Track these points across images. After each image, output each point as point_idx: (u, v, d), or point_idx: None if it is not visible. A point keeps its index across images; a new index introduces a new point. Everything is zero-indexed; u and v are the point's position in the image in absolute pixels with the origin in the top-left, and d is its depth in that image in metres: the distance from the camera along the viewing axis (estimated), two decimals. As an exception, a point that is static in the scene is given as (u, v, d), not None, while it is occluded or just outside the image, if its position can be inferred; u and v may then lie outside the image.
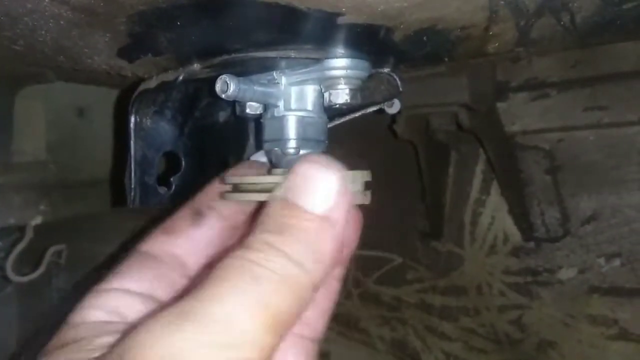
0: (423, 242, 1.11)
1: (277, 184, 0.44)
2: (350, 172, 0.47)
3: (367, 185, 0.49)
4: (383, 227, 1.13)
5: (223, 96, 0.44)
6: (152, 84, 0.51)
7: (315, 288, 0.34)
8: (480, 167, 1.02)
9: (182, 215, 0.46)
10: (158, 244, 0.44)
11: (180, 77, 0.47)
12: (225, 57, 0.45)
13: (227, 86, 0.44)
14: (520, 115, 0.88)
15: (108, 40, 0.48)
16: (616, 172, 0.86)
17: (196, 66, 0.47)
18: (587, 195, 0.89)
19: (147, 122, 0.54)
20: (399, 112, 0.59)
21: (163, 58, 0.49)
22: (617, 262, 0.89)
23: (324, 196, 0.36)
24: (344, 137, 0.65)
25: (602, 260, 0.90)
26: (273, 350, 0.31)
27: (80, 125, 0.98)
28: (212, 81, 0.46)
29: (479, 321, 1.04)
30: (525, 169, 0.93)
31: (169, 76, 0.49)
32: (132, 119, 0.52)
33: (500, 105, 0.88)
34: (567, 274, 0.93)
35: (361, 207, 0.48)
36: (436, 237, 1.08)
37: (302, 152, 0.48)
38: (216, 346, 0.29)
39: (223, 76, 0.44)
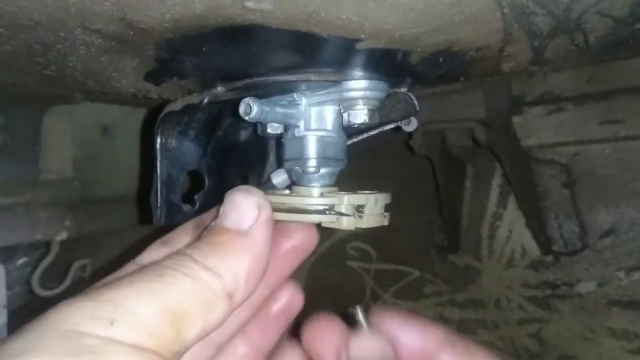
0: (441, 256, 1.12)
1: (303, 204, 0.46)
2: (372, 196, 0.48)
3: (387, 208, 0.50)
4: (401, 241, 1.14)
5: (246, 118, 0.46)
6: (178, 106, 0.53)
7: (230, 296, 0.37)
8: (497, 181, 1.02)
9: (185, 228, 0.47)
10: (156, 254, 0.45)
11: (205, 100, 0.49)
12: (248, 80, 0.46)
13: (250, 109, 0.45)
14: (536, 129, 0.89)
15: (136, 65, 0.50)
16: (633, 185, 0.86)
17: (220, 89, 0.49)
18: (605, 208, 0.90)
19: (172, 142, 0.56)
20: (415, 129, 0.60)
21: (188, 81, 0.51)
22: (636, 276, 0.88)
23: (241, 215, 0.40)
24: (363, 153, 0.67)
25: (621, 274, 0.90)
26: (175, 345, 0.33)
27: (105, 143, 1.00)
28: (235, 102, 0.48)
29: (498, 335, 1.04)
30: (541, 183, 0.93)
31: (193, 99, 0.51)
32: (158, 140, 0.54)
33: (516, 120, 0.89)
34: (586, 287, 0.93)
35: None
36: (454, 251, 1.08)
37: (322, 170, 0.50)
38: (108, 321, 0.31)
39: (246, 99, 0.46)
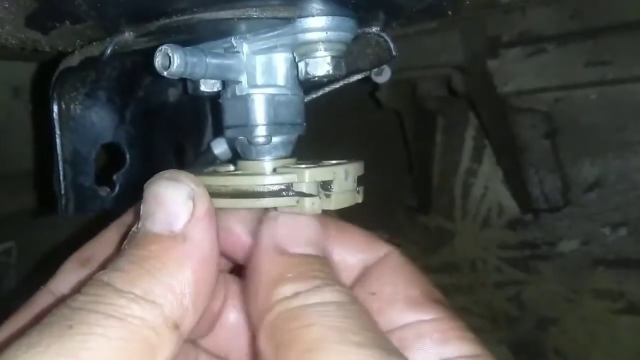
0: (410, 218, 1.03)
1: (251, 186, 0.35)
2: (341, 167, 0.37)
3: (360, 181, 0.40)
4: (367, 203, 1.04)
5: (165, 74, 0.33)
6: (75, 60, 0.39)
7: (176, 326, 0.28)
8: (470, 134, 0.93)
9: (107, 236, 0.37)
10: (75, 278, 0.35)
11: (109, 50, 0.36)
12: (165, 20, 0.33)
13: (170, 60, 0.33)
14: (513, 73, 0.78)
15: (9, 7, 0.36)
16: (621, 134, 0.78)
17: (128, 35, 0.36)
18: (590, 160, 0.81)
19: (76, 109, 0.42)
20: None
21: (85, 26, 0.37)
22: (623, 232, 0.82)
23: (170, 212, 0.30)
24: (321, 107, 0.55)
25: (607, 230, 0.83)
26: None
27: (17, 108, 0.85)
28: (152, 53, 0.35)
29: (474, 299, 0.97)
30: (521, 134, 0.84)
31: (94, 49, 0.38)
32: (56, 107, 0.41)
33: (492, 64, 0.78)
34: (568, 246, 0.86)
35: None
36: (425, 212, 0.99)
37: (274, 139, 0.38)
38: None
39: (164, 47, 0.33)
